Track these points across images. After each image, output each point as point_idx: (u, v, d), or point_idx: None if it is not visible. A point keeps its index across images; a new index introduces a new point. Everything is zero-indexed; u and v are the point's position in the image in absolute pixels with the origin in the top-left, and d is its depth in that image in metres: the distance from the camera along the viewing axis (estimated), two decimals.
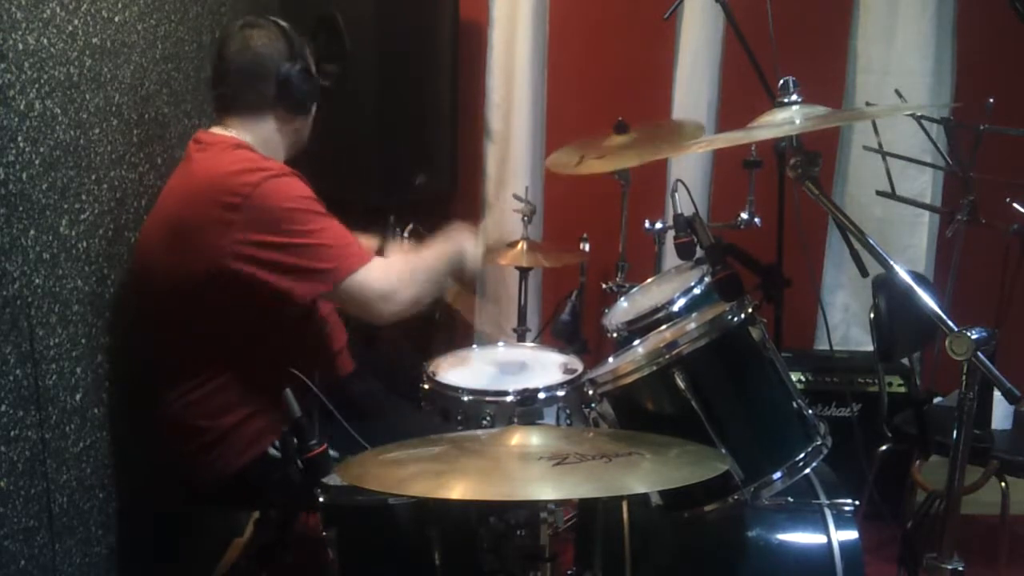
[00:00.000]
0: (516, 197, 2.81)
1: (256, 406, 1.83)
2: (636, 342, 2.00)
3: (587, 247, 2.82)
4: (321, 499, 1.51)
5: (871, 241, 1.46)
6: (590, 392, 1.84)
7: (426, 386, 2.13)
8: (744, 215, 2.59)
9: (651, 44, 3.20)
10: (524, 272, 2.80)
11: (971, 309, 1.92)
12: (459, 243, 2.02)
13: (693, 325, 1.79)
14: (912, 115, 2.58)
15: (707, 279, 2.11)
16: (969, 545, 1.44)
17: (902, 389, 2.73)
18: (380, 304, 1.82)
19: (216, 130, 1.91)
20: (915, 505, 2.58)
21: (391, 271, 1.87)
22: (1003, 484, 2.36)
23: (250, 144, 1.89)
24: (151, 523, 2.00)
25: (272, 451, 1.82)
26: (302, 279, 1.76)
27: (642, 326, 2.15)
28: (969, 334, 1.29)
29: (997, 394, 1.31)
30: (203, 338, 1.83)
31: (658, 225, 2.64)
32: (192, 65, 2.22)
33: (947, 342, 1.30)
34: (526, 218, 2.75)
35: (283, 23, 1.92)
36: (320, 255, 1.76)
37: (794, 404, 1.76)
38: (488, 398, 2.04)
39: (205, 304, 1.78)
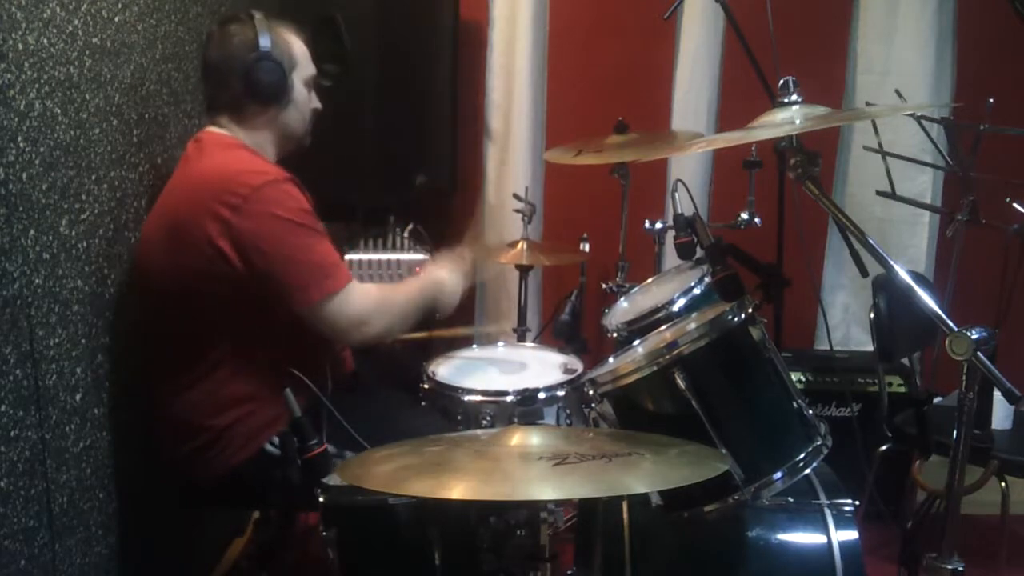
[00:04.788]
0: (516, 197, 2.81)
1: (254, 404, 1.84)
2: (636, 342, 2.00)
3: (587, 247, 2.82)
4: (321, 499, 1.52)
5: (871, 241, 1.45)
6: (590, 392, 1.83)
7: (426, 386, 2.13)
8: (744, 215, 2.59)
9: (651, 44, 3.20)
10: (524, 272, 2.80)
11: (971, 309, 1.92)
12: (438, 277, 2.03)
13: (693, 325, 1.79)
14: (912, 115, 2.58)
15: (707, 279, 2.11)
16: (969, 545, 1.44)
17: (902, 389, 2.73)
18: (352, 330, 1.84)
19: (212, 129, 1.92)
20: (915, 505, 2.59)
21: (368, 297, 1.87)
22: (1003, 484, 2.36)
23: (245, 143, 1.90)
24: (151, 523, 2.00)
25: (271, 448, 1.82)
26: (281, 291, 1.76)
27: (642, 326, 2.15)
28: (969, 334, 1.29)
29: (997, 394, 1.30)
30: (200, 336, 1.83)
31: (658, 225, 2.64)
32: (192, 65, 2.21)
33: (947, 342, 1.30)
34: (526, 218, 2.75)
35: (258, 14, 1.90)
36: (301, 272, 1.76)
37: (794, 404, 1.76)
38: (488, 398, 2.04)
39: (201, 302, 1.79)
